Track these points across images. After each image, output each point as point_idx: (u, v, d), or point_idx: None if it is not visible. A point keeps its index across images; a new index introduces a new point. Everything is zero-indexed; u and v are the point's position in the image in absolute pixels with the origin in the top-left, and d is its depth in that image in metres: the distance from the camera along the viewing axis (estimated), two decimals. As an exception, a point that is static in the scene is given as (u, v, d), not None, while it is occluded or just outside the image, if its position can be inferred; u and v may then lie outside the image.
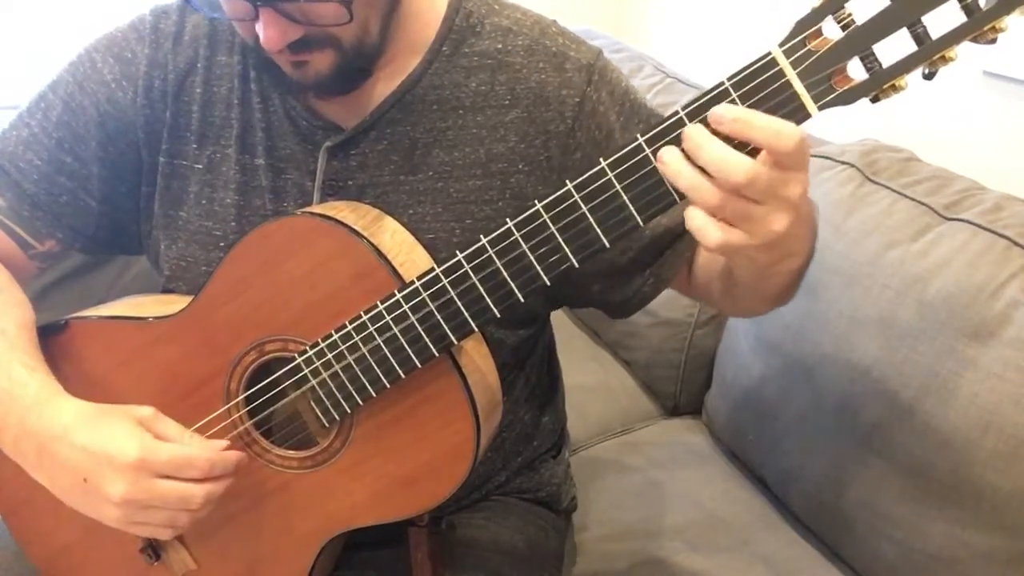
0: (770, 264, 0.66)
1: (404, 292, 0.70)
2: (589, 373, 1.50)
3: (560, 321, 1.61)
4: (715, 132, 0.59)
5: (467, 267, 0.68)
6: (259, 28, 0.69)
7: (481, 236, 0.67)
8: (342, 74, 0.75)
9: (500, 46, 0.82)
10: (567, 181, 0.64)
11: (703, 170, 0.59)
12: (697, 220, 0.60)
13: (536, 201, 0.65)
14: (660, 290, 0.89)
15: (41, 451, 0.74)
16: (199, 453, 0.72)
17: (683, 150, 0.60)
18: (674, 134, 0.60)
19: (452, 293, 0.69)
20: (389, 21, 0.76)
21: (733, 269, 0.75)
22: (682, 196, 0.62)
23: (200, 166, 0.85)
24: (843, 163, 1.18)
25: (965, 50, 0.57)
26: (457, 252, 0.68)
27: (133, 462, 0.70)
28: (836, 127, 1.34)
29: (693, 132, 0.59)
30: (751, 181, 0.57)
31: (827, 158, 1.20)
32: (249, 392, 0.79)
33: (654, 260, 0.87)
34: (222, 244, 0.85)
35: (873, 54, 0.57)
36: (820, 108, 0.58)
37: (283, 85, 0.80)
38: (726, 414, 1.32)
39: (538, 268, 0.66)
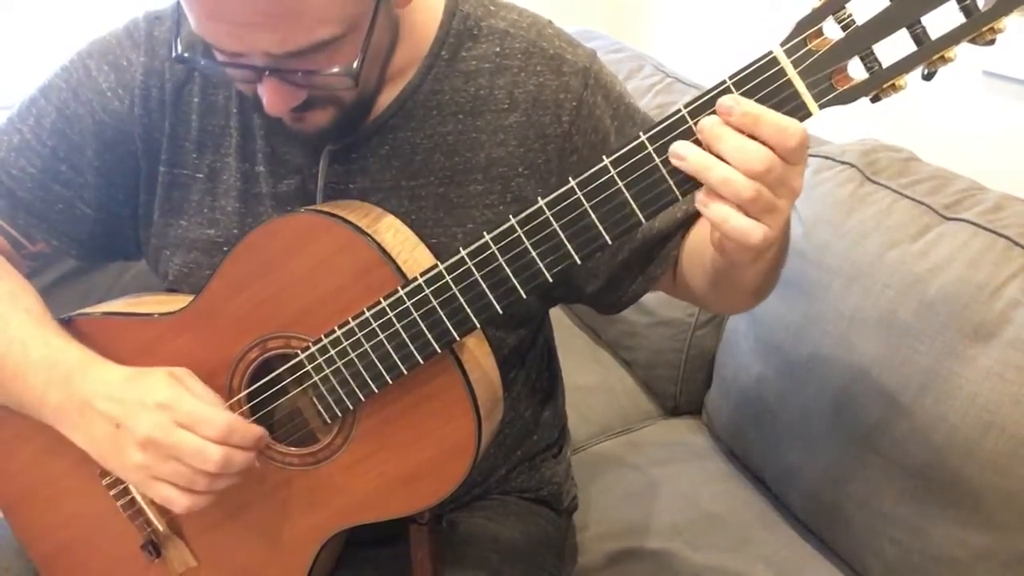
0: (758, 256, 0.67)
1: (407, 288, 0.70)
2: (589, 373, 1.50)
3: (560, 321, 1.61)
4: None
5: (470, 264, 0.68)
6: (262, 92, 0.69)
7: (484, 233, 0.67)
8: (342, 124, 0.76)
9: (498, 49, 0.82)
10: (570, 178, 0.64)
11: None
12: (739, 221, 0.60)
13: (539, 198, 0.65)
14: (648, 289, 0.89)
15: (83, 408, 0.75)
16: (221, 413, 0.73)
17: (695, 143, 0.60)
18: (676, 132, 0.61)
19: (455, 290, 0.69)
20: (387, 65, 0.77)
21: (718, 263, 0.75)
22: (684, 193, 0.62)
23: (201, 175, 0.85)
24: (843, 163, 1.18)
25: (965, 50, 0.57)
26: (460, 249, 0.68)
27: (160, 402, 0.72)
28: (836, 127, 1.34)
29: (711, 122, 0.59)
30: (769, 169, 0.58)
31: (827, 158, 1.20)
32: (251, 388, 0.79)
33: (646, 264, 0.87)
34: (225, 249, 0.84)
35: (873, 54, 0.57)
36: (821, 107, 0.59)
37: (282, 133, 0.80)
38: (726, 414, 1.32)
39: (541, 265, 0.67)
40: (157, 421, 0.71)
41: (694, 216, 0.85)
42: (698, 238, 0.84)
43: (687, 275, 0.86)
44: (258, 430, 0.74)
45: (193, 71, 0.83)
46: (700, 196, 0.61)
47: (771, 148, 0.58)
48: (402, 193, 0.82)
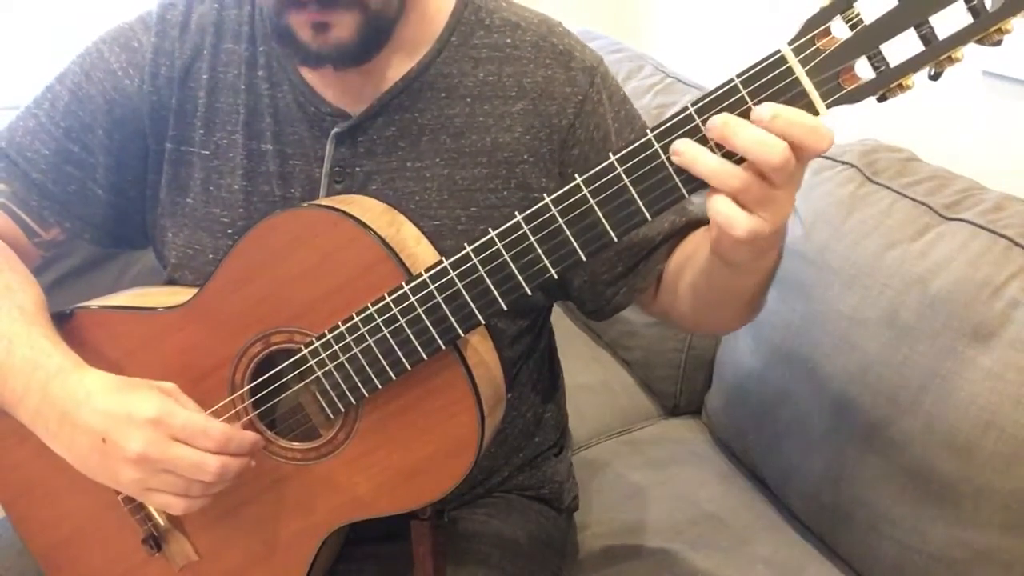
0: (758, 256, 0.68)
1: (412, 284, 0.70)
2: (589, 373, 1.50)
3: (560, 321, 1.60)
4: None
5: (475, 260, 0.68)
6: None
7: (489, 229, 0.67)
8: (362, 40, 0.75)
9: (509, 40, 0.84)
10: (576, 175, 0.64)
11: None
12: (724, 208, 0.60)
13: (545, 195, 0.65)
14: (631, 300, 0.90)
15: (63, 418, 0.74)
16: (217, 423, 0.73)
17: (702, 140, 0.60)
18: (684, 129, 0.61)
19: (460, 285, 0.69)
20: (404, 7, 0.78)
21: (716, 272, 0.75)
22: (691, 191, 0.62)
23: (207, 152, 0.86)
24: (843, 163, 1.18)
25: (965, 50, 0.57)
26: (465, 245, 0.68)
27: (151, 418, 0.70)
28: (836, 127, 1.33)
29: (726, 118, 0.59)
30: (785, 163, 0.58)
31: (827, 158, 1.20)
32: (254, 383, 0.79)
33: (629, 270, 0.87)
34: (230, 231, 0.86)
35: (880, 53, 0.57)
36: (828, 106, 0.59)
37: (299, 55, 0.78)
38: (726, 414, 1.32)
39: (546, 262, 0.67)
40: (150, 437, 0.70)
41: (680, 229, 0.86)
42: (689, 251, 0.84)
43: (670, 290, 0.86)
44: (253, 436, 0.75)
45: (203, 49, 0.85)
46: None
47: (803, 150, 0.58)
48: (407, 175, 0.83)
